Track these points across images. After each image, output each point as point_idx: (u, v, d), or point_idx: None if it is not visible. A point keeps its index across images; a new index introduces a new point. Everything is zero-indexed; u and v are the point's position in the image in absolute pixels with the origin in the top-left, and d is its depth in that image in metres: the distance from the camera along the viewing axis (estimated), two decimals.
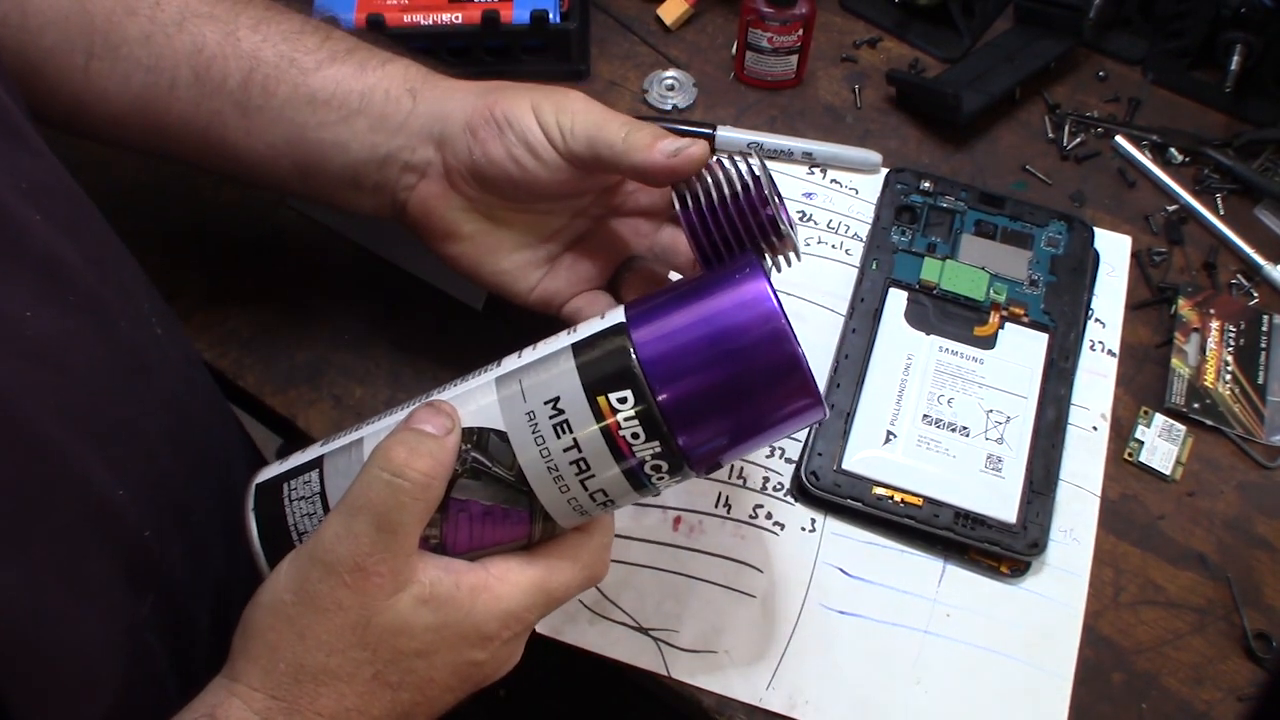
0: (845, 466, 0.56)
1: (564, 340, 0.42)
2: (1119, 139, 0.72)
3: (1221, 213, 0.69)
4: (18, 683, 0.36)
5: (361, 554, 0.38)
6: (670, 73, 0.74)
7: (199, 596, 0.48)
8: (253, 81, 0.51)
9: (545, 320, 0.62)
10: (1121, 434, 0.60)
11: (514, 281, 0.54)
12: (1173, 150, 0.72)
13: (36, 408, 0.37)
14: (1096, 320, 0.64)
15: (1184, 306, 0.64)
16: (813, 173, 0.69)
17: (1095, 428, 0.60)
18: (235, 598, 0.51)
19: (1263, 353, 0.62)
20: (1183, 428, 0.60)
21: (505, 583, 0.41)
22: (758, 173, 0.45)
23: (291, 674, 0.39)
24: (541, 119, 0.49)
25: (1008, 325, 0.61)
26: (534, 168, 0.49)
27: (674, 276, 0.54)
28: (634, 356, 0.40)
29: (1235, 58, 0.70)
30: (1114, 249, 0.66)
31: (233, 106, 0.51)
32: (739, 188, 0.45)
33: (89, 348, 0.41)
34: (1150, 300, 0.65)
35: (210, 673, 0.48)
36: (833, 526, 0.56)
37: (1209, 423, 0.60)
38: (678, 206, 0.46)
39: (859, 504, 0.55)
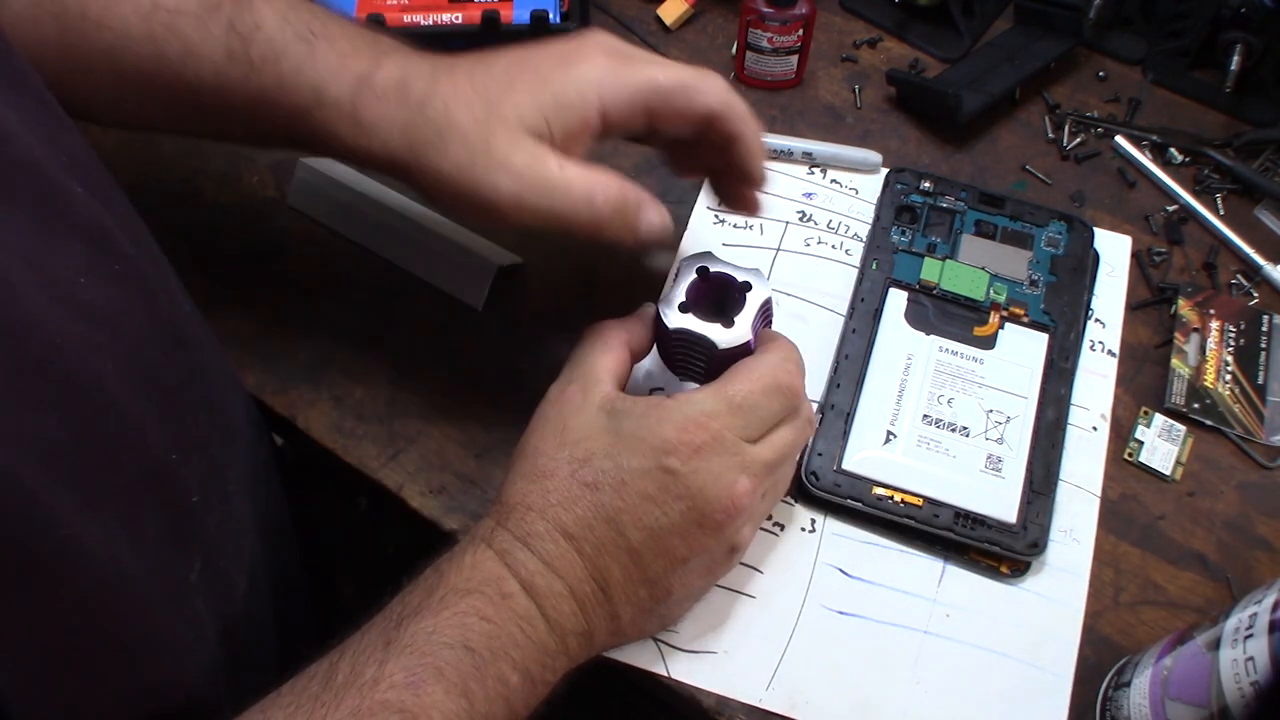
0: (845, 466, 0.56)
1: None
2: (1119, 139, 0.72)
3: (1221, 213, 0.69)
4: (98, 639, 0.37)
5: (562, 383, 0.49)
6: None
7: (238, 564, 0.49)
8: (201, 106, 0.50)
9: (546, 321, 0.63)
10: (1121, 434, 0.60)
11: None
12: (1173, 150, 0.72)
13: (99, 369, 0.37)
14: (1096, 320, 0.64)
15: (1184, 306, 0.64)
16: (813, 173, 0.69)
17: (1095, 428, 0.60)
18: (260, 566, 0.52)
19: (1263, 353, 0.62)
20: (1183, 428, 0.60)
21: (680, 399, 0.47)
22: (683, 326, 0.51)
23: (512, 481, 0.47)
24: (479, 216, 0.48)
25: (1008, 325, 0.61)
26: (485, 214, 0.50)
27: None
28: None
29: (1235, 58, 0.70)
30: (1114, 249, 0.66)
31: (193, 118, 0.51)
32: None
33: (136, 316, 0.41)
34: (1150, 300, 0.65)
35: (251, 642, 0.49)
36: (833, 526, 0.56)
37: (1209, 423, 0.60)
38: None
39: (859, 504, 0.55)
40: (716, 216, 0.66)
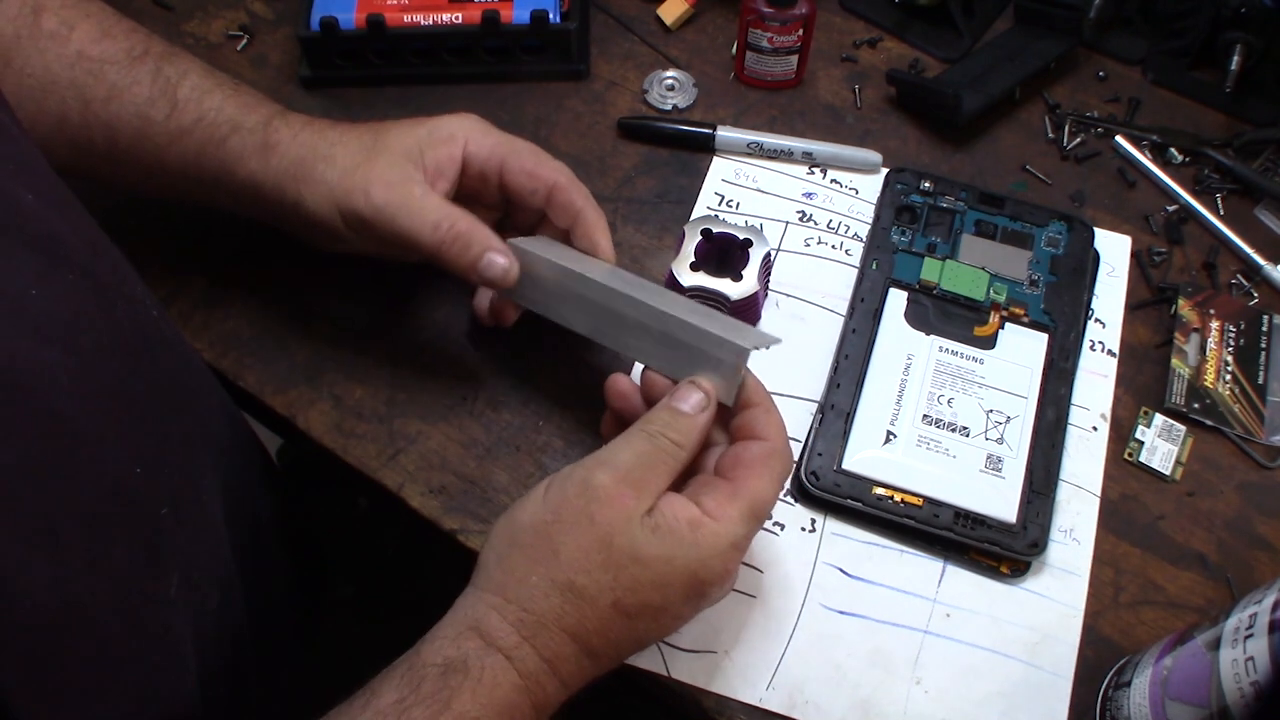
0: (845, 466, 0.56)
1: None
2: (1119, 139, 0.72)
3: (1221, 213, 0.69)
4: (42, 679, 0.35)
5: (615, 481, 0.44)
6: (670, 73, 0.74)
7: (211, 576, 0.48)
8: (117, 148, 0.56)
9: (547, 323, 0.63)
10: (1121, 434, 0.60)
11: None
12: (1173, 150, 0.72)
13: (50, 387, 0.36)
14: (1096, 320, 0.64)
15: (1184, 306, 0.64)
16: (813, 173, 0.69)
17: (1095, 428, 0.60)
18: (235, 577, 0.51)
19: (1263, 353, 0.62)
20: (1183, 428, 0.60)
21: (722, 518, 0.45)
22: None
23: (543, 589, 0.43)
24: (348, 224, 0.54)
25: (1008, 325, 0.61)
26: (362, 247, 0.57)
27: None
28: None
29: (1235, 58, 0.70)
30: (1114, 249, 0.67)
31: (106, 163, 0.57)
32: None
33: (93, 326, 0.40)
34: (1150, 300, 0.65)
35: (223, 654, 0.48)
36: (833, 526, 0.56)
37: (1209, 423, 0.60)
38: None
39: (859, 504, 0.55)
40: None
